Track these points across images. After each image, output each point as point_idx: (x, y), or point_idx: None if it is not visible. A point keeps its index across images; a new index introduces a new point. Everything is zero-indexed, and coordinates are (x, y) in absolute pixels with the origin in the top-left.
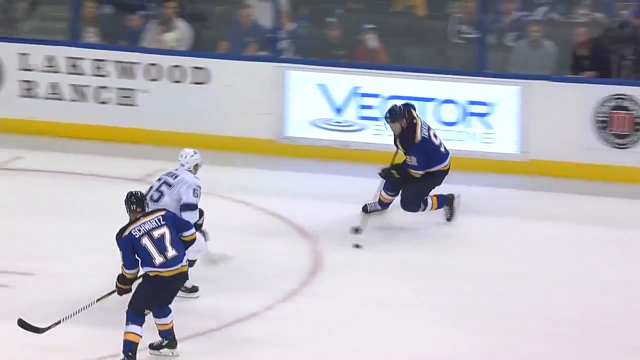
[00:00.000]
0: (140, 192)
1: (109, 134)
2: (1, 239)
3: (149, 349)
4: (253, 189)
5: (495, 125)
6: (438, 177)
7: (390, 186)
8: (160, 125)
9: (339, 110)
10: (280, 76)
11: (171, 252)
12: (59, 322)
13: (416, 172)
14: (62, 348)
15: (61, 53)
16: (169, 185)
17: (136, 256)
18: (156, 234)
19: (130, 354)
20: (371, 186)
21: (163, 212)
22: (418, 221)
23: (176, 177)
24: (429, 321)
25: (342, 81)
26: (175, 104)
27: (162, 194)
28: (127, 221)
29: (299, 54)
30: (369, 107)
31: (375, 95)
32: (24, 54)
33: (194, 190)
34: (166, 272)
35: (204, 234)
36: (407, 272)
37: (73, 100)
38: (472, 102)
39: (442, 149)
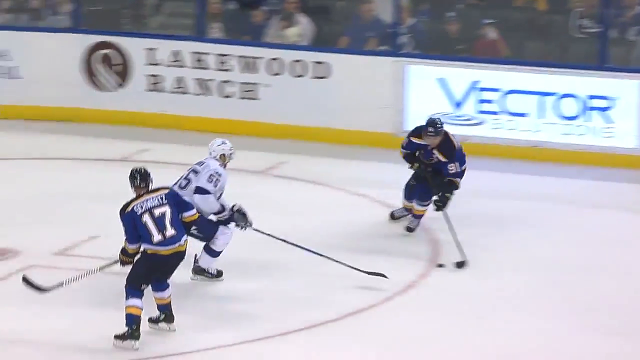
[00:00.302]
0: (145, 169)
1: (232, 127)
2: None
3: (148, 323)
4: (371, 181)
5: (616, 120)
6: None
7: (424, 196)
8: (282, 119)
9: (458, 105)
10: (400, 71)
11: (170, 232)
12: (61, 284)
13: (458, 181)
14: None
15: (187, 48)
16: (196, 172)
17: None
18: (157, 212)
19: (134, 326)
20: (489, 179)
21: (166, 191)
22: (535, 217)
23: (202, 164)
24: (558, 315)
25: (461, 75)
26: (296, 98)
27: (189, 182)
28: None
29: (418, 49)
30: (488, 101)
31: (495, 90)
32: (151, 49)
33: (210, 175)
34: (163, 250)
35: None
36: (530, 266)
37: (198, 94)
38: (593, 97)
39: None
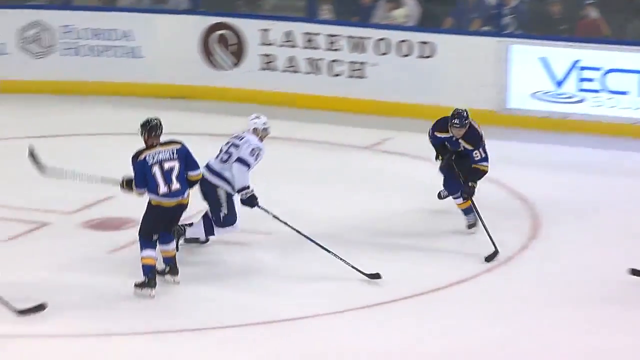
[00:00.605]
0: (158, 121)
1: (340, 104)
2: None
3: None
4: None
5: None
6: None
7: (452, 188)
8: (388, 96)
9: (559, 83)
10: (503, 50)
11: (175, 185)
12: (62, 173)
13: (485, 165)
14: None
15: (298, 29)
16: (236, 146)
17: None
18: (167, 165)
19: (150, 275)
20: (591, 157)
21: (179, 146)
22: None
23: (242, 138)
24: None
25: (563, 55)
26: (402, 76)
27: (230, 155)
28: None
29: (521, 29)
30: (589, 79)
31: (596, 69)
32: (264, 30)
33: (253, 149)
34: (167, 202)
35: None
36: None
37: (308, 73)
38: None
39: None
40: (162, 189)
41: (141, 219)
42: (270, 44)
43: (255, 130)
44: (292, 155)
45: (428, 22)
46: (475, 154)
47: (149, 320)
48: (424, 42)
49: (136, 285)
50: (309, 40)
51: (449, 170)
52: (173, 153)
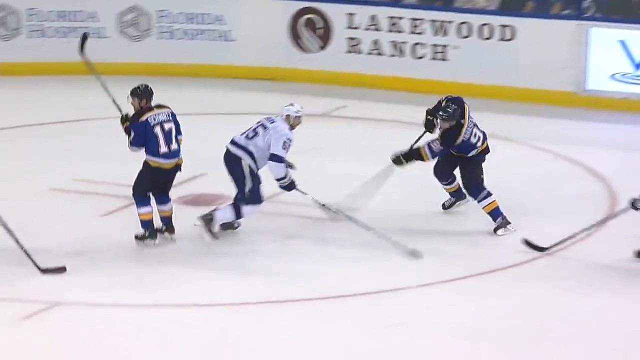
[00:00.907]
0: (149, 86)
1: (422, 86)
2: (328, 180)
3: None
4: (553, 137)
5: None
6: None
7: (445, 176)
8: (469, 78)
9: (638, 65)
10: (583, 33)
11: (174, 145)
12: (92, 68)
13: (427, 156)
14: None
15: (383, 13)
16: (265, 128)
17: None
18: (167, 126)
19: (149, 228)
20: None
21: (170, 110)
22: None
23: (272, 122)
24: None
25: None
26: (483, 59)
27: (256, 134)
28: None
29: (600, 13)
30: None
31: None
32: (350, 14)
33: (284, 142)
34: (166, 163)
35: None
36: None
37: (392, 56)
38: None
39: (475, 141)
40: (163, 148)
41: (136, 180)
42: (355, 28)
43: (287, 117)
44: (375, 135)
45: (509, 6)
46: (435, 142)
47: (233, 290)
48: (505, 26)
49: (137, 238)
50: (393, 24)
51: (398, 163)
52: (169, 115)
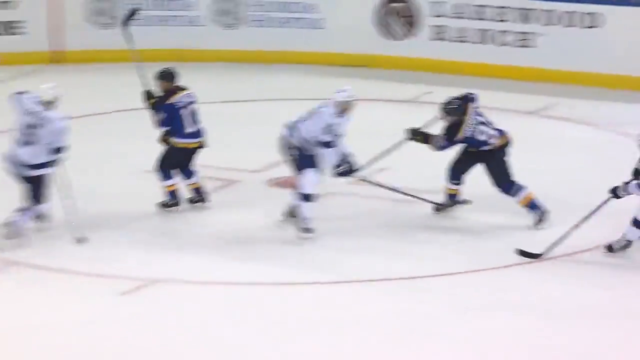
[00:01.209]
0: (175, 71)
1: (506, 72)
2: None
3: (187, 201)
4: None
5: None
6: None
7: (455, 175)
8: (554, 64)
9: None
10: None
11: (199, 125)
12: (131, 40)
13: (433, 147)
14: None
15: (468, 1)
16: (312, 113)
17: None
18: (191, 108)
19: (175, 198)
20: None
21: (192, 91)
22: None
23: (320, 108)
24: None
25: None
26: (568, 46)
27: (307, 118)
28: None
29: None
30: None
31: None
32: (436, 2)
33: (323, 128)
34: (191, 143)
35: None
36: None
37: (477, 43)
38: None
39: (483, 138)
40: (189, 128)
41: (161, 158)
42: (441, 16)
43: (337, 103)
44: None
45: None
46: (440, 137)
47: (310, 272)
48: (590, 13)
49: (163, 205)
50: (479, 12)
51: (415, 138)
52: (192, 96)
